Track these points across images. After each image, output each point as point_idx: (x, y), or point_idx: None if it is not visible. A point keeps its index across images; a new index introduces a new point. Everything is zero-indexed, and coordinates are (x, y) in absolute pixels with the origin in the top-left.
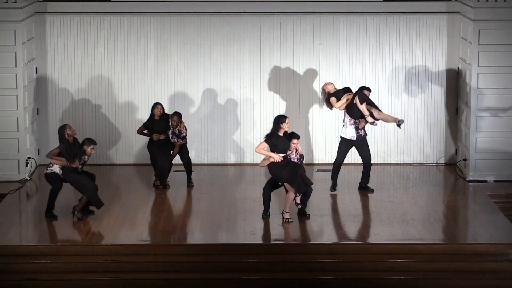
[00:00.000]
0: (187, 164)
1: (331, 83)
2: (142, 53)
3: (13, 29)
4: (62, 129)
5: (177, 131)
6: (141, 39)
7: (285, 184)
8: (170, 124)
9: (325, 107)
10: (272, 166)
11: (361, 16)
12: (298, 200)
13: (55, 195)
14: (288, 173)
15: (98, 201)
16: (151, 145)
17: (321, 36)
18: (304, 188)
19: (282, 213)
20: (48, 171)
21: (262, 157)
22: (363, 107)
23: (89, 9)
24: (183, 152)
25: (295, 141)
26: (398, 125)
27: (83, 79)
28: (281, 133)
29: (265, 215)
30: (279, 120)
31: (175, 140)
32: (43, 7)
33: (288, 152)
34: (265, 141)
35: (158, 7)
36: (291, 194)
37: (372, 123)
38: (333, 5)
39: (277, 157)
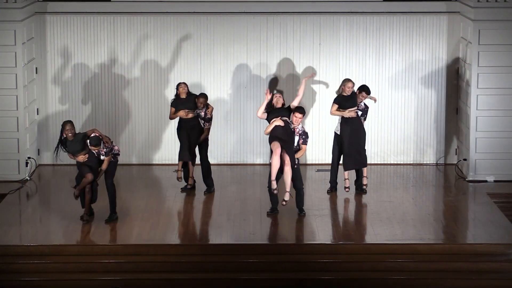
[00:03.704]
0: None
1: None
2: (142, 53)
3: (13, 29)
4: (62, 126)
5: (203, 114)
6: (141, 39)
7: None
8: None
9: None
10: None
11: (361, 16)
12: (286, 197)
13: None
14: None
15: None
16: (180, 130)
17: (321, 36)
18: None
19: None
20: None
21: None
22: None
23: (89, 9)
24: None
25: (298, 115)
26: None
27: (83, 79)
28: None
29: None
30: None
31: (202, 124)
32: (43, 7)
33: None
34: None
35: (158, 7)
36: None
37: None
38: (333, 5)
39: (280, 121)
